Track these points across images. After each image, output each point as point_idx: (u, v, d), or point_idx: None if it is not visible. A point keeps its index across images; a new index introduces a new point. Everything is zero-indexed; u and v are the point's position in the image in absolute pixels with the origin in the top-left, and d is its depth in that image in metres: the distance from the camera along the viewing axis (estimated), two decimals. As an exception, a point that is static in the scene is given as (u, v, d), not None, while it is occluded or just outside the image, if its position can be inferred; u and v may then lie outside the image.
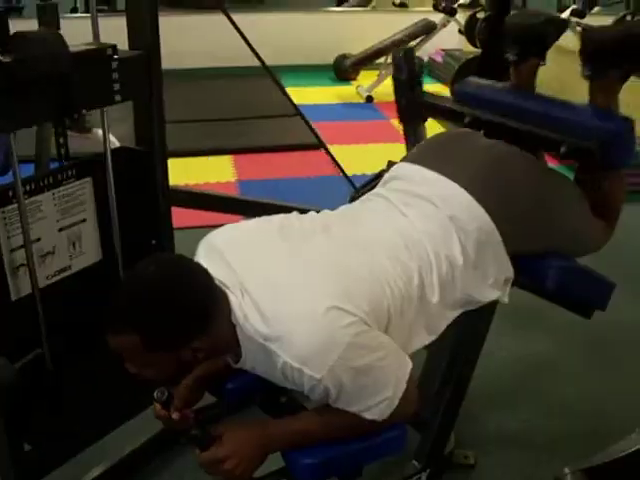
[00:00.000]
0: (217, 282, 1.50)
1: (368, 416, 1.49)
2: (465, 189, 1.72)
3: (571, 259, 1.88)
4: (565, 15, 6.66)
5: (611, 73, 1.91)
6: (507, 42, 2.08)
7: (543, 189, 1.84)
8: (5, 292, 1.80)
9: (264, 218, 1.72)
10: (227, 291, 1.49)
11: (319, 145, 5.33)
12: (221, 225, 1.70)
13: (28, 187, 1.80)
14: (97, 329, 1.99)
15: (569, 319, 3.00)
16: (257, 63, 7.65)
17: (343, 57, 7.18)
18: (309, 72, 7.40)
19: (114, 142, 3.25)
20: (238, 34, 2.59)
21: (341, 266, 1.53)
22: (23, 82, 1.58)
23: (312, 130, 3.19)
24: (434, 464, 2.20)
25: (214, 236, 1.67)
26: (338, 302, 1.43)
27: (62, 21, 1.72)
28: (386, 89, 6.72)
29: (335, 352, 1.39)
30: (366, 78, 7.07)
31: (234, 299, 1.48)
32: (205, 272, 1.48)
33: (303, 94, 6.68)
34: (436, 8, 6.51)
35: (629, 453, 0.96)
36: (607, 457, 0.97)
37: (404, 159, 1.96)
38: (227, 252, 1.58)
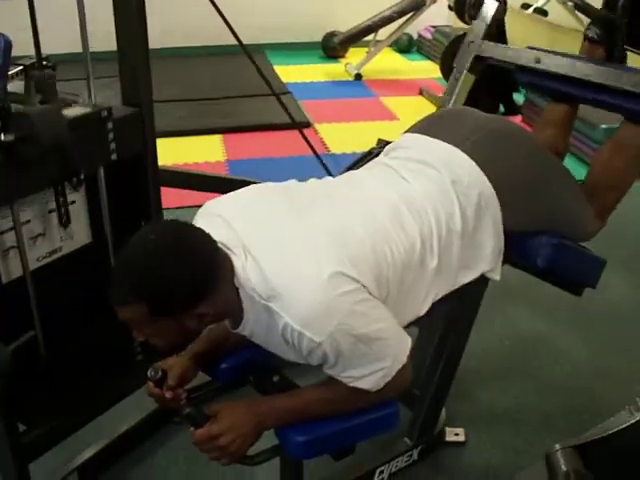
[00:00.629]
0: (220, 245, 1.49)
1: (362, 385, 1.50)
2: (468, 155, 1.74)
3: (562, 237, 1.88)
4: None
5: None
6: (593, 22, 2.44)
7: (540, 165, 1.87)
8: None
9: (266, 184, 1.72)
10: (230, 253, 1.49)
11: (306, 124, 5.35)
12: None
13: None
14: (89, 310, 2.03)
15: (558, 297, 3.04)
16: (245, 41, 7.60)
17: (331, 35, 7.14)
18: (297, 50, 7.37)
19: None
20: (217, 13, 2.54)
21: (345, 231, 1.53)
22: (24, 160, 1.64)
23: (286, 111, 3.16)
24: (425, 441, 2.23)
25: (214, 202, 1.67)
26: (342, 268, 1.44)
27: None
28: (375, 66, 6.75)
29: (336, 317, 1.40)
30: (355, 56, 7.05)
31: (237, 261, 1.48)
32: (207, 236, 1.47)
33: (292, 72, 6.67)
34: (425, -16, 6.48)
35: (619, 430, 0.97)
36: (597, 434, 0.99)
37: (407, 130, 1.97)
38: (229, 216, 1.57)
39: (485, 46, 2.88)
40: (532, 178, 1.82)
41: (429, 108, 5.87)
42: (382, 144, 2.95)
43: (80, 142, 1.78)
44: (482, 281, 1.83)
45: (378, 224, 1.58)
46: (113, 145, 1.89)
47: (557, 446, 0.99)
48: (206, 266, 1.42)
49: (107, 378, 2.09)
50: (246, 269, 1.46)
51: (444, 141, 1.80)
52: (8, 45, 2.38)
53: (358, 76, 6.57)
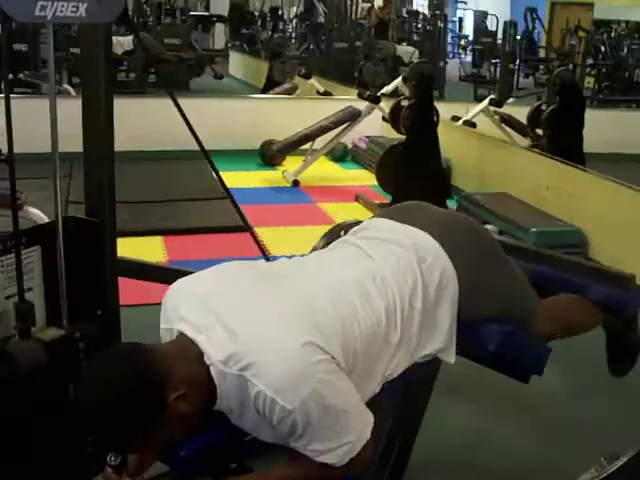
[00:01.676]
0: (188, 327, 1.54)
1: (327, 459, 1.51)
2: (433, 238, 1.83)
3: (511, 324, 1.96)
4: (483, 104, 7.02)
5: None
6: None
7: (497, 257, 1.98)
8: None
9: (236, 262, 1.78)
10: (196, 336, 1.52)
11: (246, 227, 5.43)
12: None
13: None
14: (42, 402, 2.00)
15: (494, 391, 3.12)
16: (181, 147, 7.74)
17: (269, 143, 7.34)
18: (236, 157, 7.50)
19: (43, 218, 3.25)
20: (182, 118, 2.64)
21: (315, 304, 1.58)
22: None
23: (239, 212, 3.24)
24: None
25: (186, 280, 1.72)
26: (313, 338, 1.48)
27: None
28: (312, 174, 6.93)
29: (309, 385, 1.44)
30: (291, 163, 7.23)
31: (203, 339, 1.51)
32: (146, 350, 1.51)
33: (230, 178, 6.66)
34: (360, 96, 6.77)
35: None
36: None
37: (374, 216, 2.07)
38: (201, 291, 1.63)
39: None
40: (486, 267, 1.92)
41: (365, 213, 6.02)
42: (340, 226, 3.03)
43: (54, 365, 1.87)
44: (434, 363, 1.89)
45: (346, 299, 1.63)
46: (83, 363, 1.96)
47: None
48: (152, 383, 1.46)
49: (59, 471, 2.05)
50: (214, 341, 1.49)
51: (411, 225, 1.89)
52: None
53: (295, 182, 6.73)
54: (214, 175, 2.91)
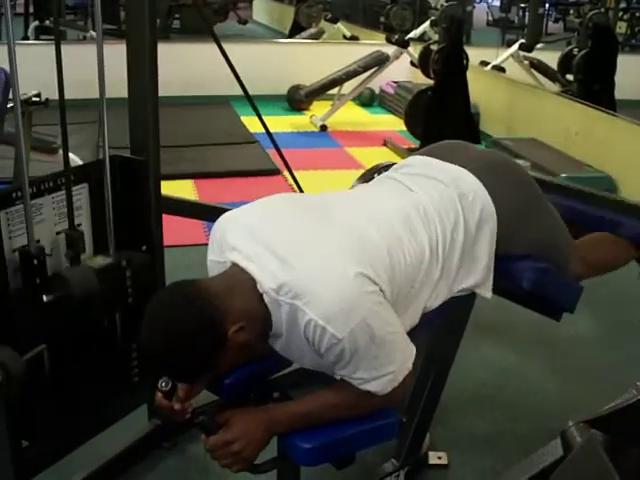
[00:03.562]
0: (239, 256, 1.59)
1: (371, 388, 1.56)
2: (474, 175, 1.86)
3: (545, 262, 2.00)
4: (513, 49, 6.95)
5: None
6: None
7: (532, 194, 2.00)
8: (6, 292, 1.84)
9: (283, 195, 1.82)
10: (248, 264, 1.56)
11: (276, 171, 5.48)
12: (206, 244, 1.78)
13: (31, 190, 1.85)
14: (90, 332, 2.08)
15: (526, 333, 3.18)
16: (207, 92, 7.74)
17: (297, 88, 7.33)
18: (262, 102, 7.46)
19: (77, 161, 3.31)
20: (226, 63, 2.65)
21: (363, 236, 1.62)
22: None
23: (281, 155, 3.26)
24: (411, 463, 2.31)
25: (237, 210, 1.75)
26: (364, 269, 1.52)
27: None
28: (339, 119, 6.93)
29: (358, 315, 1.48)
30: (318, 108, 7.24)
31: (255, 268, 1.55)
32: (201, 286, 1.55)
33: (257, 123, 6.76)
34: (389, 40, 6.73)
35: (630, 404, 1.07)
36: (610, 409, 1.09)
37: (414, 154, 2.09)
38: (252, 221, 1.67)
39: None
40: (524, 205, 1.94)
41: (394, 158, 6.05)
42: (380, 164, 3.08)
43: (104, 292, 1.93)
44: (470, 298, 1.94)
45: (392, 231, 1.67)
46: (130, 290, 2.05)
47: (570, 422, 1.08)
48: (212, 320, 1.50)
49: (105, 398, 2.14)
50: (270, 271, 1.53)
51: (451, 162, 1.92)
52: (9, 79, 2.48)
53: (323, 127, 6.75)
54: (258, 119, 2.87)
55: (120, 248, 2.08)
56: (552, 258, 2.03)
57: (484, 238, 1.82)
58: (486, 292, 1.88)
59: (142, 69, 2.04)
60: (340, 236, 1.60)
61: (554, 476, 0.96)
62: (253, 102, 2.81)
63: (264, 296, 1.54)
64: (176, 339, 1.49)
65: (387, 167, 2.94)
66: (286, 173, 5.43)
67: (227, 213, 1.75)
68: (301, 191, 3.40)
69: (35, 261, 1.83)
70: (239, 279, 1.57)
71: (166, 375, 1.61)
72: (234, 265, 1.60)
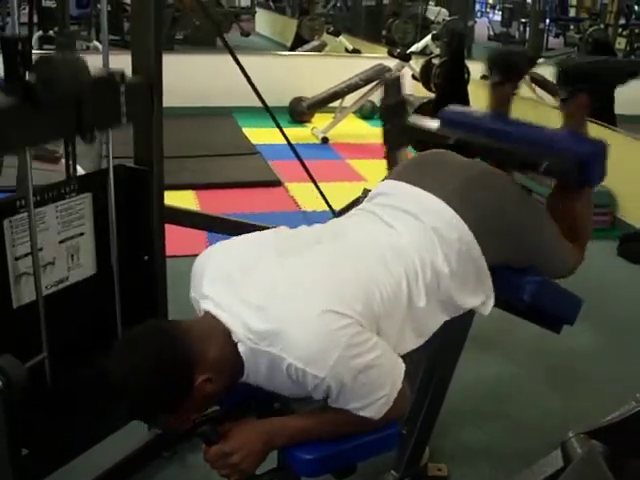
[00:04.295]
0: (212, 305, 1.59)
1: (365, 414, 1.57)
2: (447, 203, 1.83)
3: (543, 274, 2.01)
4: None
5: (581, 97, 2.14)
6: (490, 67, 2.32)
7: (519, 206, 1.98)
8: (8, 299, 1.86)
9: (258, 233, 1.82)
10: (220, 313, 1.57)
11: (277, 182, 5.50)
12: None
13: (34, 198, 1.87)
14: (91, 340, 2.09)
15: (525, 346, 3.18)
16: (209, 104, 7.75)
17: (299, 100, 7.36)
18: (264, 113, 7.53)
19: (79, 170, 3.32)
20: (240, 71, 2.67)
21: (334, 273, 1.62)
22: (45, 101, 1.68)
23: (304, 167, 3.27)
24: (411, 475, 2.31)
25: (213, 252, 1.75)
26: (333, 306, 1.52)
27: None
28: (340, 131, 6.95)
29: (334, 352, 1.48)
30: (319, 121, 7.27)
31: (226, 317, 1.56)
32: (179, 329, 1.55)
33: (260, 134, 6.83)
34: (391, 54, 6.76)
35: (629, 415, 1.08)
36: (609, 420, 1.09)
37: (388, 177, 2.07)
38: (224, 266, 1.66)
39: (403, 126, 2.89)
40: (512, 217, 1.93)
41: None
42: (367, 192, 3.09)
43: (96, 100, 1.84)
44: (469, 316, 1.95)
45: (365, 266, 1.66)
46: (124, 109, 1.95)
47: (570, 433, 1.09)
48: (182, 365, 1.49)
49: (105, 407, 2.14)
50: (242, 318, 1.54)
51: (425, 189, 1.88)
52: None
53: (325, 139, 6.77)
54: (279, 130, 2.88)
55: (122, 260, 2.10)
56: (551, 262, 2.04)
57: (468, 266, 1.81)
58: (484, 310, 1.89)
59: (147, 68, 2.05)
60: (312, 275, 1.60)
61: (555, 486, 0.96)
62: (270, 110, 2.88)
63: (239, 345, 1.54)
64: (141, 376, 1.48)
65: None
66: (288, 184, 5.49)
67: (206, 251, 1.76)
68: (328, 204, 3.38)
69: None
70: (214, 327, 1.56)
71: (128, 406, 1.60)
72: (207, 313, 1.60)
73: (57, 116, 1.76)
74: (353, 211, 2.01)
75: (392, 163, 2.58)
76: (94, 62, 1.92)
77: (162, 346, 1.51)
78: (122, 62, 2.14)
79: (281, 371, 1.52)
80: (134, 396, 1.52)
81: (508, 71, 2.32)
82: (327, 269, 1.63)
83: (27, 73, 1.66)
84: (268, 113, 2.96)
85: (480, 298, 1.86)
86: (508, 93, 2.35)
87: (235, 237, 1.80)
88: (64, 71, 1.68)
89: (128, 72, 2.05)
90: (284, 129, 6.90)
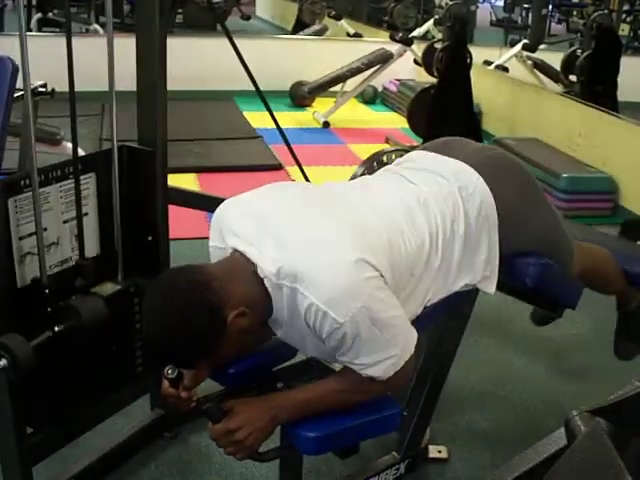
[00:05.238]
0: (239, 241, 1.60)
1: (373, 372, 1.57)
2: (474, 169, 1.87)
3: (548, 257, 2.02)
4: (516, 49, 6.97)
5: None
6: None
7: (533, 192, 2.02)
8: (12, 279, 1.86)
9: (286, 183, 1.83)
10: (248, 249, 1.58)
11: (279, 166, 5.50)
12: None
13: (39, 178, 1.86)
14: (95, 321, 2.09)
15: (526, 330, 3.19)
16: (209, 87, 7.73)
17: (300, 84, 7.34)
18: (265, 97, 7.53)
19: (81, 152, 3.32)
20: (237, 56, 2.66)
21: (365, 223, 1.63)
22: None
23: (291, 151, 3.27)
24: (411, 456, 2.32)
25: (236, 199, 1.76)
26: (365, 255, 1.53)
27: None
28: (342, 115, 6.95)
29: (359, 300, 1.49)
30: (321, 105, 7.26)
31: (255, 252, 1.56)
32: (200, 274, 1.55)
33: (261, 118, 6.81)
34: (393, 38, 6.74)
35: (635, 393, 1.08)
36: (614, 398, 1.10)
37: (415, 149, 2.10)
38: (258, 206, 1.68)
39: None
40: (523, 201, 1.95)
41: (395, 156, 6.07)
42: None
43: (113, 318, 1.96)
44: (472, 293, 1.96)
45: (393, 219, 1.69)
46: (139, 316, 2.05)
47: (574, 412, 1.09)
48: (211, 304, 1.50)
49: (109, 386, 2.15)
50: (271, 256, 1.54)
51: (452, 157, 1.93)
52: (15, 69, 2.48)
53: (326, 124, 6.76)
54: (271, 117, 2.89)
55: (126, 240, 2.10)
56: (552, 255, 2.04)
57: (484, 232, 1.84)
58: (488, 287, 1.89)
59: (152, 60, 2.05)
60: (341, 222, 1.61)
61: (559, 464, 0.97)
62: (263, 96, 2.83)
63: (265, 281, 1.55)
64: (173, 322, 1.50)
65: (390, 152, 2.97)
66: (289, 168, 5.49)
67: (227, 201, 1.76)
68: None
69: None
70: (240, 264, 1.58)
71: (166, 359, 1.61)
72: (235, 251, 1.61)
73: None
74: (379, 172, 2.04)
75: None
76: (96, 46, 1.92)
77: (187, 291, 1.51)
78: (123, 46, 2.14)
79: (300, 312, 1.52)
80: (171, 344, 1.52)
81: None
82: (358, 220, 1.64)
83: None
84: (262, 97, 2.92)
85: (487, 271, 1.87)
86: None
87: (265, 186, 1.80)
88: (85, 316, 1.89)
89: (131, 58, 2.07)
90: (285, 113, 6.92)
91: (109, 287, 2.03)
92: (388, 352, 1.56)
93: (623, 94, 5.96)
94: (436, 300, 1.80)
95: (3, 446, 1.88)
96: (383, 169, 2.04)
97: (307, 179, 3.18)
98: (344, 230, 1.59)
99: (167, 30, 2.06)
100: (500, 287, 1.99)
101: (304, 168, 5.48)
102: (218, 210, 1.75)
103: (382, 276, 1.56)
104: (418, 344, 1.65)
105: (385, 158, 3.31)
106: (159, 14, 2.01)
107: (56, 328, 1.84)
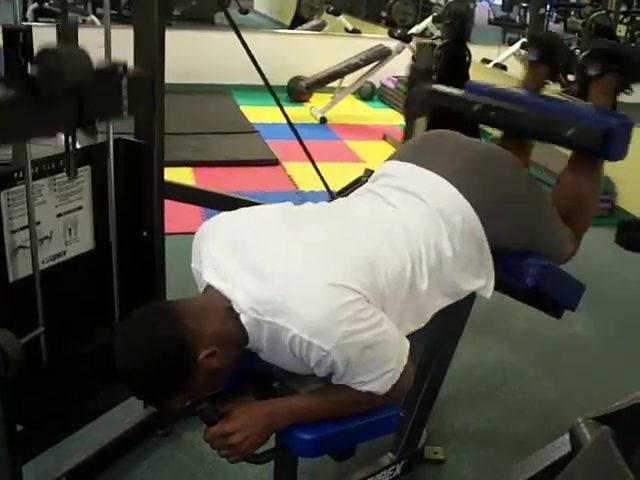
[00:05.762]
0: (214, 276, 1.56)
1: (371, 388, 1.54)
2: (450, 183, 1.81)
3: (546, 257, 1.99)
4: (515, 48, 6.94)
5: (608, 75, 2.23)
6: (530, 44, 2.51)
7: (522, 186, 1.96)
8: (4, 273, 1.82)
9: (264, 206, 1.79)
10: (223, 285, 1.54)
11: (275, 161, 5.47)
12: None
13: (32, 171, 1.83)
14: (87, 316, 2.07)
15: (524, 331, 3.17)
16: (206, 81, 7.68)
17: (297, 79, 7.30)
18: (262, 92, 7.44)
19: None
20: (244, 49, 2.63)
21: (343, 248, 1.59)
22: (46, 95, 1.63)
23: (305, 149, 3.23)
24: (408, 457, 2.30)
25: (216, 221, 1.72)
26: (341, 280, 1.49)
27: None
28: (339, 111, 6.91)
29: (341, 325, 1.45)
30: (318, 100, 7.23)
31: (229, 288, 1.53)
32: (177, 308, 1.52)
33: (257, 113, 6.78)
34: (391, 35, 6.70)
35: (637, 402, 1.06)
36: (620, 405, 1.08)
37: (391, 157, 2.03)
38: (230, 237, 1.63)
39: (429, 90, 2.94)
40: (515, 199, 1.91)
41: (392, 152, 6.03)
42: (369, 173, 3.06)
43: (100, 89, 1.80)
44: (470, 297, 1.92)
45: (373, 245, 1.64)
46: (126, 102, 1.90)
47: (579, 419, 1.07)
48: (182, 343, 1.47)
49: (100, 384, 2.12)
50: (247, 290, 1.50)
51: (427, 168, 1.86)
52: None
53: (323, 120, 6.73)
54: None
55: (121, 235, 2.07)
56: (549, 247, 2.02)
57: (473, 247, 1.79)
58: (486, 293, 1.86)
59: (150, 53, 2.02)
60: (319, 250, 1.57)
61: (565, 472, 0.94)
62: (272, 89, 2.80)
63: (241, 316, 1.51)
64: (143, 362, 1.47)
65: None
66: (285, 164, 5.46)
67: (208, 221, 1.73)
68: (325, 184, 3.36)
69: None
70: (214, 300, 1.54)
71: (135, 393, 1.60)
72: (209, 286, 1.57)
73: (58, 109, 1.71)
74: (357, 191, 1.99)
75: (410, 133, 2.59)
76: (92, 37, 1.88)
77: (158, 327, 1.48)
78: (119, 37, 2.10)
79: (284, 344, 1.49)
80: (141, 384, 1.50)
81: (546, 52, 2.38)
82: (335, 243, 1.61)
83: (29, 65, 1.62)
84: (269, 91, 2.90)
85: (482, 281, 1.84)
86: (542, 74, 2.39)
87: (240, 209, 1.77)
88: (67, 64, 1.63)
89: (128, 49, 2.03)
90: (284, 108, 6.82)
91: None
92: (383, 368, 1.53)
93: (622, 95, 5.92)
94: (429, 318, 1.77)
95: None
96: (361, 188, 1.98)
97: (321, 176, 3.14)
98: (323, 258, 1.55)
99: (166, 22, 2.03)
100: (499, 287, 1.96)
101: (301, 164, 5.45)
102: (198, 233, 1.72)
103: (365, 297, 1.52)
104: (412, 349, 1.62)
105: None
106: (157, 5, 1.97)
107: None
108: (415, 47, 6.55)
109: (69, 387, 2.02)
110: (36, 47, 1.64)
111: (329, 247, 1.59)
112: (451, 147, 1.97)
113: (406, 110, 2.70)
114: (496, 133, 5.90)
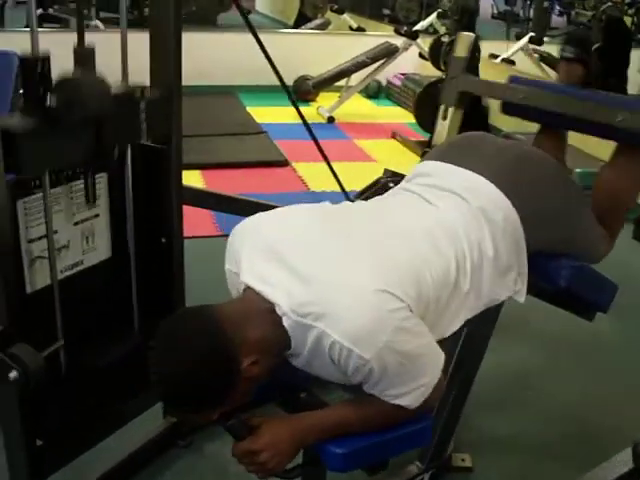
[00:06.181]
0: (254, 279, 1.50)
1: (402, 402, 1.50)
2: (490, 182, 1.76)
3: (579, 259, 1.93)
4: (523, 42, 6.88)
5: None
6: (566, 41, 2.43)
7: (561, 188, 1.91)
8: (22, 284, 1.77)
9: (303, 205, 1.73)
10: (264, 287, 1.48)
11: (284, 162, 5.41)
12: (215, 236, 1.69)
13: (49, 178, 1.77)
14: (105, 327, 2.01)
15: (550, 333, 3.11)
16: (212, 82, 7.65)
17: (304, 78, 7.24)
18: (268, 92, 7.42)
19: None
20: (262, 52, 2.58)
21: (387, 253, 1.54)
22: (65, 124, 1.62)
23: (320, 148, 3.18)
24: (435, 466, 2.24)
25: (252, 223, 1.66)
26: (387, 286, 1.44)
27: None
28: (346, 110, 6.85)
29: (384, 334, 1.40)
30: (325, 100, 7.16)
31: (270, 291, 1.47)
32: (215, 315, 1.44)
33: (265, 113, 6.73)
34: (398, 32, 6.64)
35: None
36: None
37: (427, 157, 1.99)
38: (271, 238, 1.57)
39: (468, 80, 2.90)
40: (554, 201, 1.86)
41: (403, 151, 5.98)
42: (389, 174, 3.01)
43: (119, 116, 1.77)
44: (496, 307, 1.87)
45: (416, 246, 1.59)
46: (144, 126, 1.88)
47: (644, 435, 1.01)
48: (226, 355, 1.41)
49: (120, 397, 2.07)
50: (290, 292, 1.45)
51: (467, 168, 1.82)
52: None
53: (331, 119, 6.67)
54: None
55: (139, 242, 2.01)
56: (584, 248, 1.98)
57: (513, 248, 1.75)
58: (520, 297, 1.81)
59: (166, 55, 1.96)
60: (362, 254, 1.52)
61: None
62: (289, 90, 2.76)
63: (283, 319, 1.45)
64: (188, 371, 1.39)
65: (390, 181, 2.89)
66: (294, 164, 5.40)
67: (246, 221, 1.66)
68: (341, 185, 3.31)
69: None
70: (255, 304, 1.48)
71: (172, 404, 1.54)
72: (249, 288, 1.51)
73: (77, 138, 1.69)
74: (392, 191, 1.94)
75: (439, 128, 2.59)
76: (97, 42, 1.83)
77: (202, 336, 1.41)
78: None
79: (323, 349, 1.44)
80: (184, 395, 1.42)
81: (582, 49, 2.34)
82: (379, 246, 1.56)
83: (47, 94, 1.60)
84: (284, 91, 2.85)
85: (517, 286, 1.79)
86: (577, 72, 2.32)
87: (276, 209, 1.71)
88: (86, 93, 1.61)
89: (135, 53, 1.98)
90: (289, 108, 6.80)
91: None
92: (417, 382, 1.49)
93: (630, 87, 5.86)
94: (465, 320, 1.71)
95: (12, 459, 1.80)
96: (397, 187, 1.93)
97: (338, 179, 3.08)
98: (366, 262, 1.49)
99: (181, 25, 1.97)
100: (529, 290, 1.90)
101: (311, 164, 5.40)
102: (234, 233, 1.66)
103: (408, 306, 1.47)
104: (446, 361, 1.57)
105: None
106: (175, 7, 1.91)
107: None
108: (421, 44, 6.52)
109: (88, 400, 1.97)
110: (42, 50, 1.61)
111: (373, 251, 1.54)
112: (490, 148, 1.94)
113: (416, 107, 2.65)
114: (506, 129, 5.86)
